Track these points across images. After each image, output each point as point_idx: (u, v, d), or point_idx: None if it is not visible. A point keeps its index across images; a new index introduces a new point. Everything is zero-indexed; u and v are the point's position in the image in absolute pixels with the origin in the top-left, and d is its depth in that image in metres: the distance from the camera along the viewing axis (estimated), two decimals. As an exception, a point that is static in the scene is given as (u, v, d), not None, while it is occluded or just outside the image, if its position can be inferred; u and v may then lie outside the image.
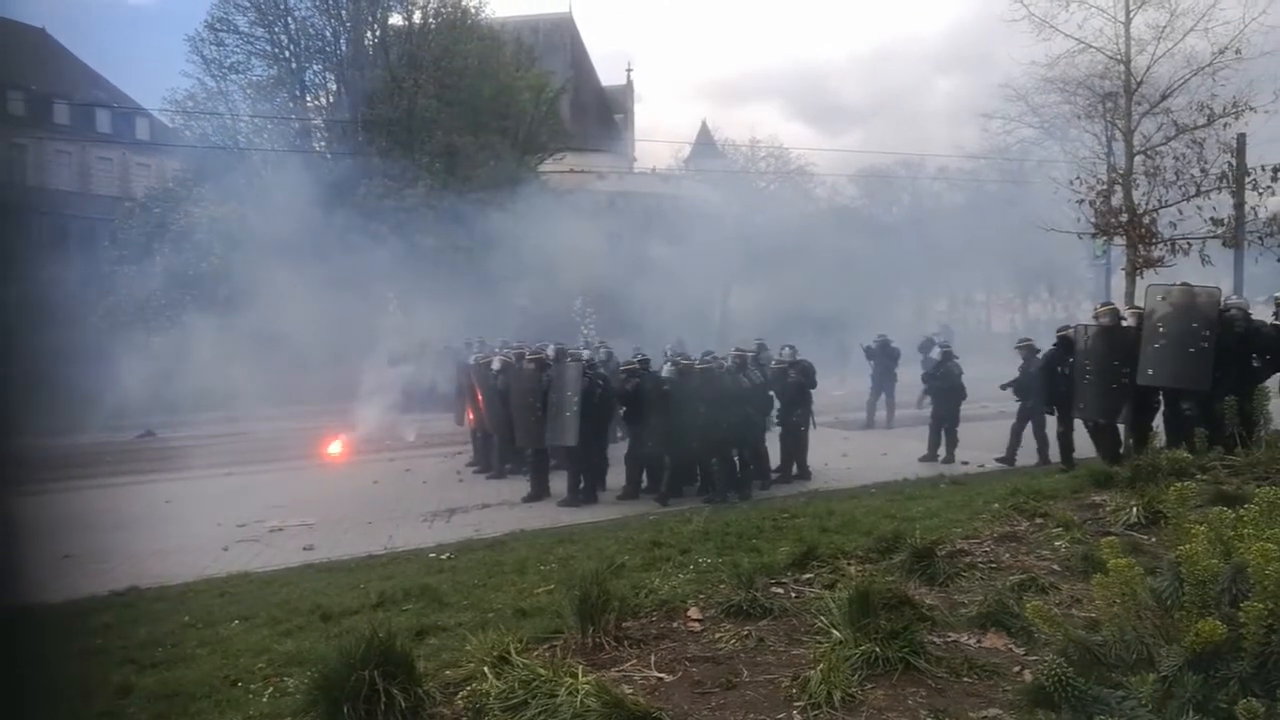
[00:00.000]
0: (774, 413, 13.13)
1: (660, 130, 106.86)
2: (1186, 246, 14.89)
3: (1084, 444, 12.12)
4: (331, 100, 35.90)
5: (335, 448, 18.15)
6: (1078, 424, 12.11)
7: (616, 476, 12.64)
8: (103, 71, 47.04)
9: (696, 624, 4.79)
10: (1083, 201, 15.67)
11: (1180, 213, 15.08)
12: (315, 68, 36.34)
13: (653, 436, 11.85)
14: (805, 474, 13.01)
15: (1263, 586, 3.08)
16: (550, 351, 13.62)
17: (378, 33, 36.39)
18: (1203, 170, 14.77)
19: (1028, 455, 13.73)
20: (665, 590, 5.57)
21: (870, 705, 3.59)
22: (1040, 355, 13.27)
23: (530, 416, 12.34)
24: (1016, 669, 3.92)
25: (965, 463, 13.52)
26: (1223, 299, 11.12)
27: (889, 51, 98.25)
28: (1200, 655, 3.06)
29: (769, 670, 4.05)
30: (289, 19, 34.90)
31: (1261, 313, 11.81)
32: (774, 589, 5.32)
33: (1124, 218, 15.30)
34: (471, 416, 15.29)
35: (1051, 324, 38.09)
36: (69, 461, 16.45)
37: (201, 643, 6.08)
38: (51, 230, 38.31)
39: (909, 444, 14.93)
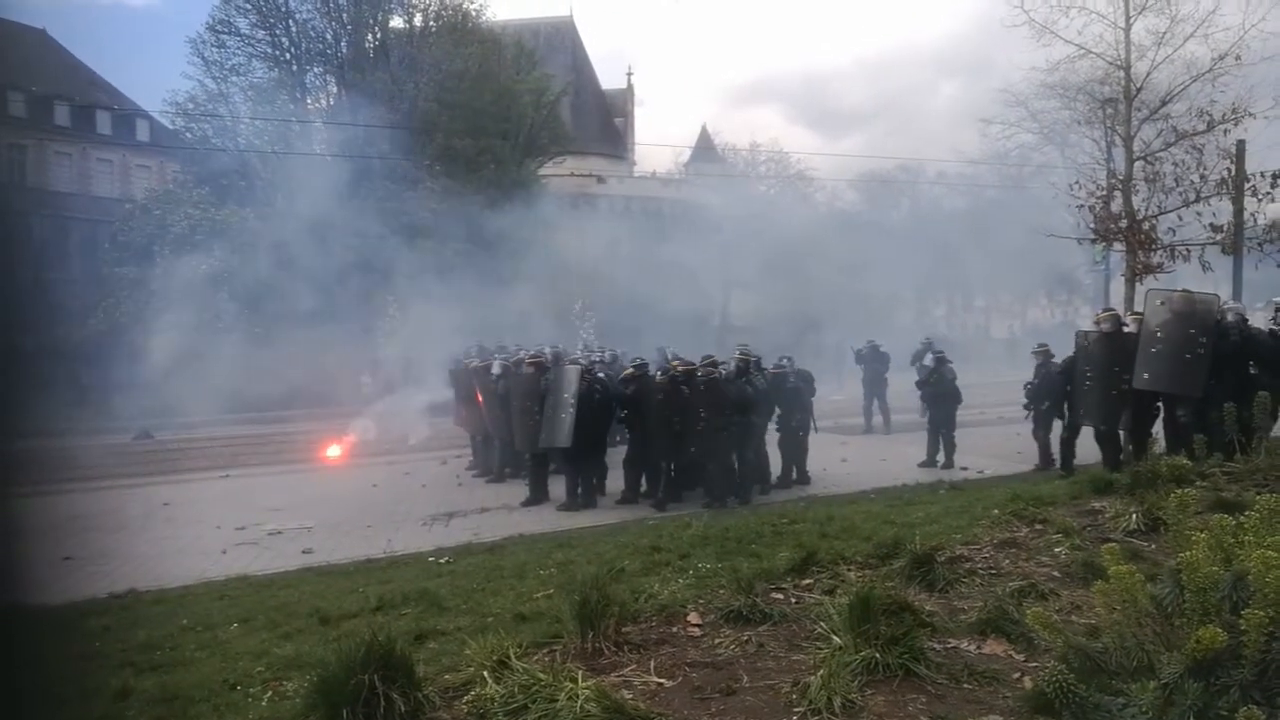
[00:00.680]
0: (773, 418, 13.11)
1: (660, 134, 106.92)
2: (1186, 252, 14.92)
3: (1084, 452, 12.12)
4: (332, 103, 35.91)
5: (334, 451, 18.14)
6: (1085, 430, 12.08)
7: (616, 481, 12.63)
8: (103, 73, 47.12)
9: (696, 629, 4.79)
10: (1082, 207, 15.70)
11: (1180, 218, 15.11)
12: (316, 70, 36.37)
13: (651, 441, 11.84)
14: (805, 479, 13.00)
15: (1263, 594, 3.07)
16: (548, 354, 13.63)
17: (378, 35, 36.43)
18: (1202, 176, 14.81)
19: (1028, 460, 13.74)
20: (665, 595, 5.57)
21: (870, 711, 3.59)
22: (1056, 360, 13.23)
23: (529, 420, 12.33)
24: (1017, 675, 3.92)
25: (965, 468, 13.50)
26: (1220, 305, 11.13)
27: (889, 56, 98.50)
28: (1201, 662, 3.06)
29: (769, 676, 4.04)
30: (290, 21, 34.93)
31: (1260, 319, 11.83)
32: (774, 594, 5.32)
33: (1124, 223, 15.34)
34: (463, 422, 15.29)
35: (1050, 330, 38.19)
36: (68, 463, 16.42)
37: (200, 646, 6.06)
38: (51, 231, 38.33)
39: (908, 449, 14.93)
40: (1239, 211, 15.14)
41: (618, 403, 12.37)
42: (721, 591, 5.38)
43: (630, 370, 12.68)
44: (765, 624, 4.74)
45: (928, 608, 4.75)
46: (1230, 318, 11.16)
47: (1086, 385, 11.67)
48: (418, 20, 36.84)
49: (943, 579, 5.30)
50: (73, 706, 4.39)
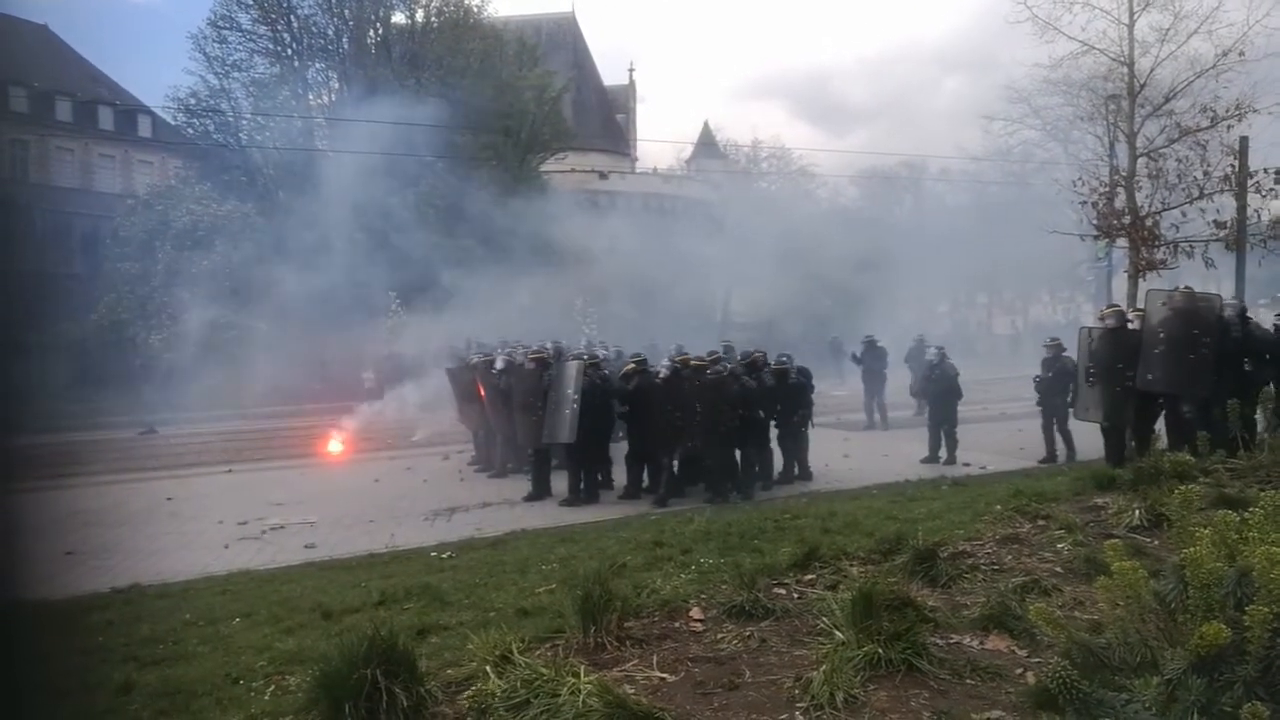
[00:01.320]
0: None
1: (662, 130, 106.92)
2: (1189, 249, 14.87)
3: (1087, 447, 12.11)
4: (334, 99, 35.90)
5: (336, 446, 18.15)
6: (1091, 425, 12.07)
7: (618, 476, 12.64)
8: (105, 69, 47.12)
9: (699, 624, 4.79)
10: (1085, 203, 15.65)
11: (1183, 215, 15.06)
12: (318, 66, 36.33)
13: (652, 437, 11.84)
14: (806, 475, 13.00)
15: (1267, 590, 3.07)
16: (549, 349, 13.64)
17: (380, 31, 36.39)
18: (1205, 173, 14.75)
19: (1030, 456, 13.74)
20: (667, 590, 5.57)
21: (873, 707, 3.59)
22: (1070, 354, 13.26)
23: (532, 416, 12.34)
24: (1019, 671, 3.91)
25: (967, 464, 13.50)
26: (1221, 303, 11.12)
27: (892, 53, 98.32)
28: (1204, 659, 3.05)
29: (771, 671, 4.04)
30: (292, 17, 34.87)
31: (1264, 315, 11.80)
32: (776, 590, 5.32)
33: (1127, 220, 15.28)
34: (464, 418, 15.29)
35: (1053, 328, 38.13)
36: (71, 458, 16.45)
37: (203, 640, 6.07)
38: (54, 227, 38.35)
39: (910, 445, 14.92)
40: (1242, 208, 15.09)
41: (619, 398, 12.37)
42: (724, 587, 5.37)
43: (631, 366, 12.69)
44: (768, 619, 4.73)
45: (930, 603, 4.75)
46: (1228, 313, 11.15)
47: (1090, 381, 11.68)
48: (419, 16, 36.82)
49: (945, 574, 5.30)
50: (76, 701, 4.40)
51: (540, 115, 37.09)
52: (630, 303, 31.56)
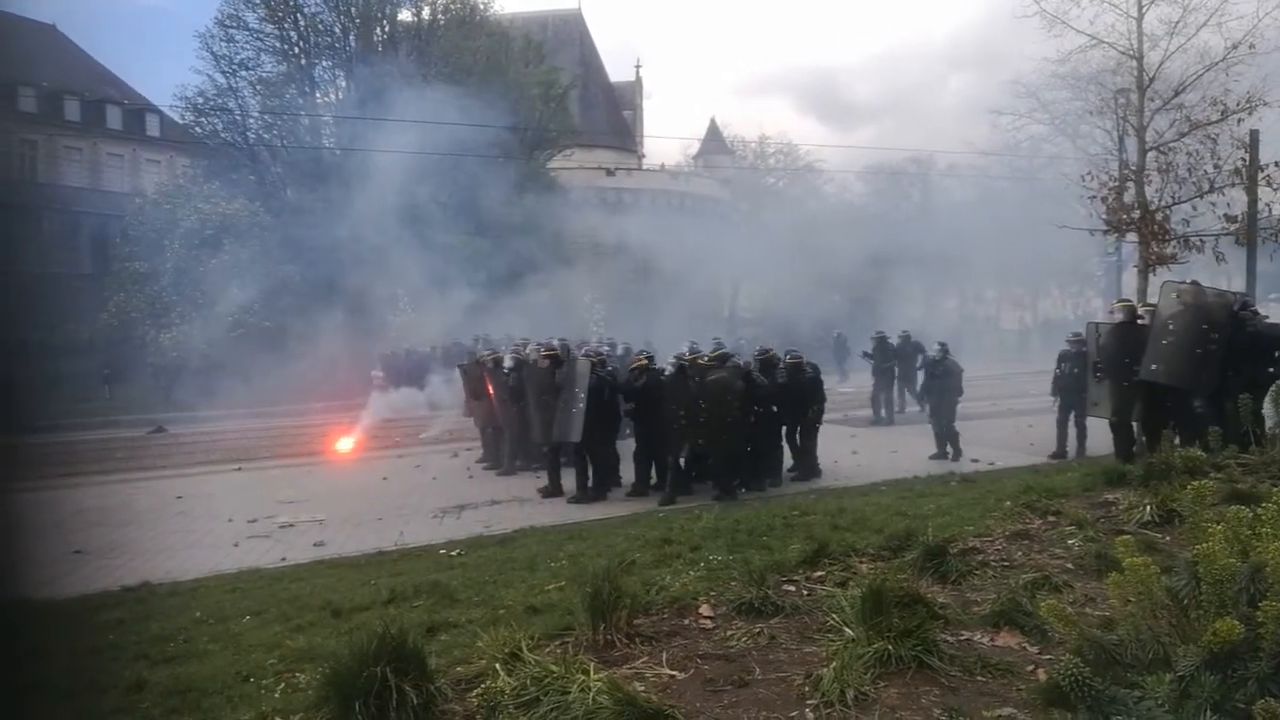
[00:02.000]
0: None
1: (669, 127, 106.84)
2: (1200, 243, 14.80)
3: (1096, 443, 12.07)
4: (341, 97, 35.97)
5: (345, 444, 18.19)
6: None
7: (626, 473, 12.64)
8: (113, 68, 47.26)
9: (708, 621, 4.78)
10: (1094, 198, 15.59)
11: (1194, 209, 14.99)
12: (325, 64, 36.39)
13: (659, 434, 11.82)
14: (815, 472, 12.97)
15: (1281, 586, 3.05)
16: (556, 345, 13.65)
17: (387, 29, 36.43)
18: (1216, 166, 14.67)
19: (1040, 451, 13.69)
20: (676, 587, 5.56)
21: (883, 704, 3.57)
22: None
23: (545, 413, 12.34)
24: (1031, 668, 3.89)
25: (975, 460, 13.46)
26: (1236, 300, 11.04)
27: (900, 48, 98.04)
28: (1217, 655, 3.03)
29: (781, 668, 4.03)
30: (298, 15, 34.95)
31: (1276, 310, 11.73)
32: (786, 586, 5.30)
33: (1136, 214, 15.21)
34: (473, 413, 15.28)
35: (1062, 322, 38.01)
36: (80, 457, 16.53)
37: (213, 638, 6.09)
38: (62, 226, 38.49)
39: (918, 441, 14.88)
40: (1253, 202, 15.00)
41: (626, 395, 12.36)
42: (733, 584, 5.36)
43: (639, 363, 12.68)
44: (777, 616, 4.72)
45: (940, 600, 4.73)
46: (1245, 311, 11.08)
47: (1098, 376, 11.63)
48: (426, 13, 36.85)
49: (955, 571, 5.28)
50: (87, 699, 4.42)
51: (547, 112, 37.12)
52: (639, 299, 31.54)
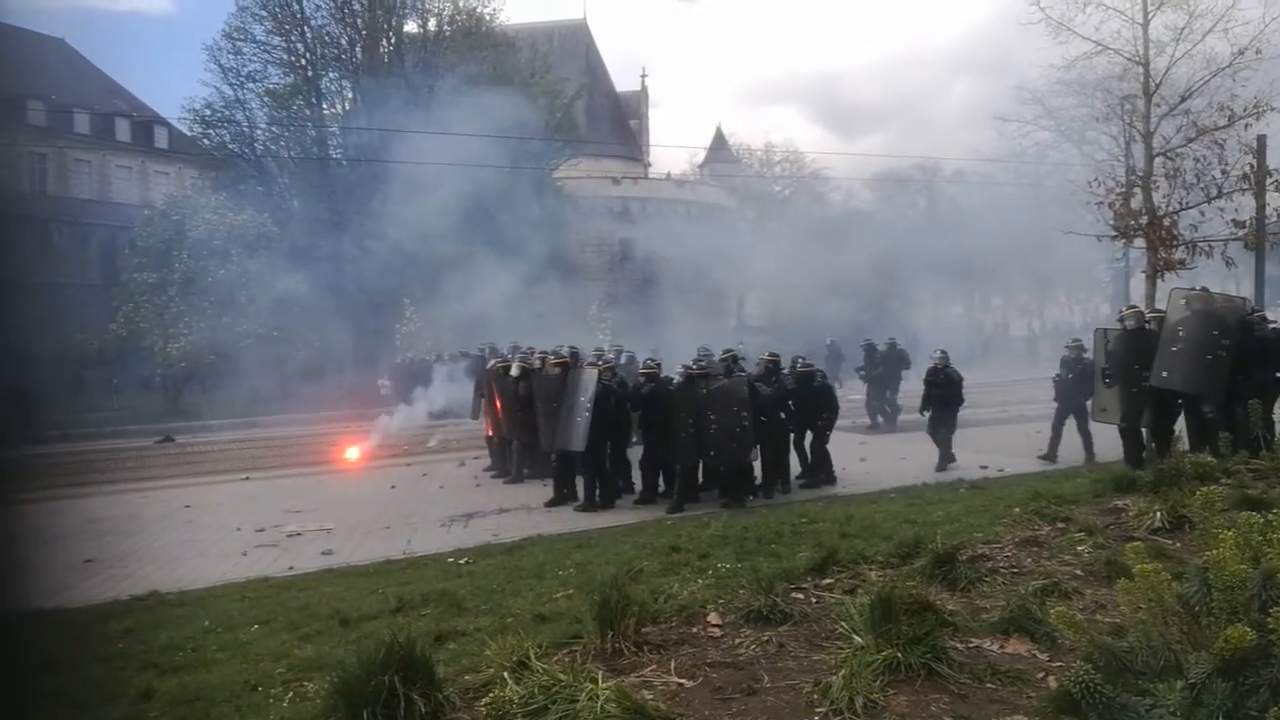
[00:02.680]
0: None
1: (675, 135, 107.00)
2: (1208, 249, 14.76)
3: (1104, 448, 12.03)
4: (347, 108, 36.13)
5: (352, 453, 18.21)
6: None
7: (636, 481, 12.62)
8: (122, 81, 47.58)
9: (716, 629, 4.77)
10: (1102, 204, 15.57)
11: (1202, 214, 14.96)
12: (331, 75, 36.56)
13: (666, 441, 11.80)
14: (830, 479, 12.90)
15: (1293, 592, 3.03)
16: (566, 353, 13.65)
17: (393, 40, 36.59)
18: (1223, 172, 14.65)
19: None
20: (684, 595, 5.55)
21: (893, 711, 3.56)
22: (1090, 356, 13.21)
23: (555, 421, 12.33)
24: (1041, 675, 3.87)
25: (984, 466, 13.40)
26: (1247, 306, 11.03)
27: (904, 56, 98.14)
28: (1229, 662, 3.01)
29: (790, 676, 4.02)
30: (305, 28, 35.13)
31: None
32: (794, 594, 5.29)
33: (1144, 220, 15.18)
34: (489, 426, 15.27)
35: (1070, 329, 37.91)
36: (90, 467, 16.58)
37: (222, 647, 6.10)
38: (72, 238, 38.71)
39: (926, 448, 14.81)
40: (1261, 207, 14.96)
41: (633, 404, 12.35)
42: (741, 591, 5.35)
43: (646, 371, 12.67)
44: (786, 624, 4.71)
45: (949, 607, 4.71)
46: (1255, 316, 11.06)
47: (1107, 382, 11.60)
48: (432, 25, 36.99)
49: (964, 578, 5.26)
50: (96, 708, 4.43)
51: (553, 122, 37.22)
52: (647, 307, 31.62)
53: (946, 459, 13.59)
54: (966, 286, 47.12)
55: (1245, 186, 14.70)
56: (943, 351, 14.39)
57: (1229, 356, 10.28)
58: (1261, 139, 14.97)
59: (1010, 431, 16.89)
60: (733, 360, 12.44)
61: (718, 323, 36.26)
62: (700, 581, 6.26)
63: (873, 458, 14.86)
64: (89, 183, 43.55)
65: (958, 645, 4.16)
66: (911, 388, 18.93)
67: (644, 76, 59.06)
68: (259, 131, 35.57)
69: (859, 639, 4.09)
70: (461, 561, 8.67)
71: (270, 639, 6.23)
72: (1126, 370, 11.18)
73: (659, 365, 13.07)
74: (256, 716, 4.54)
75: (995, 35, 75.52)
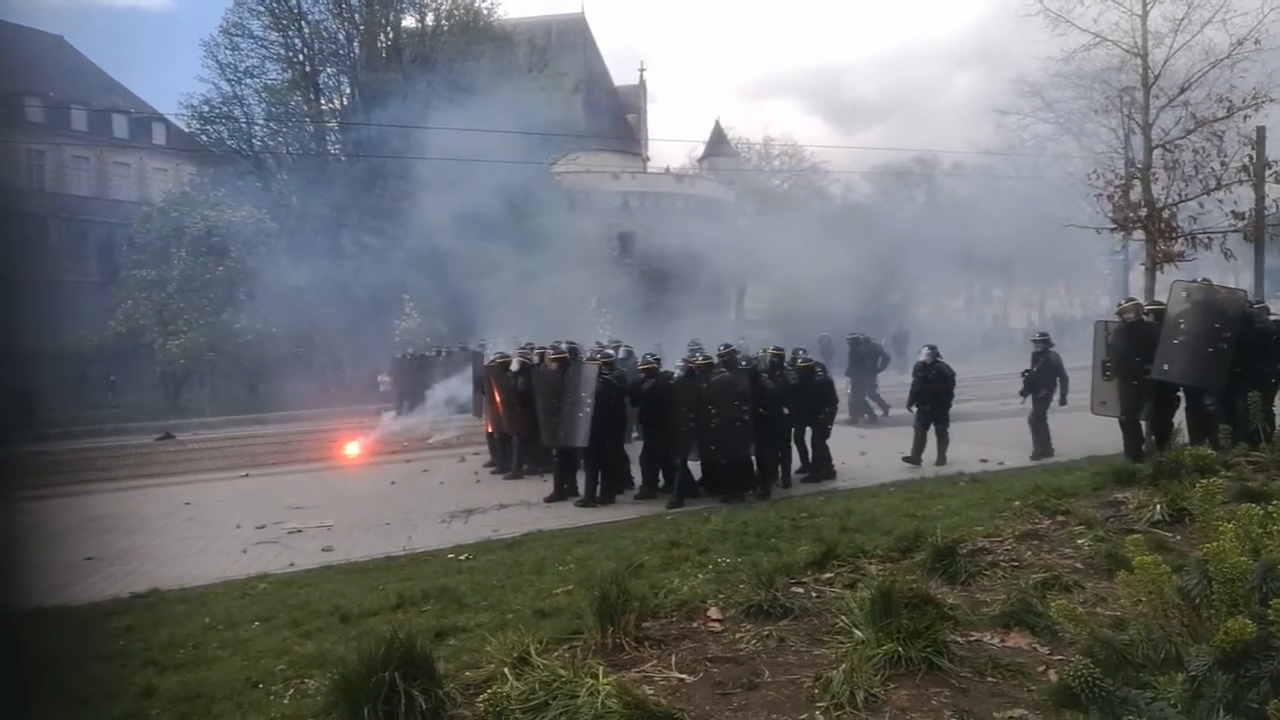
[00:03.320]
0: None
1: (674, 129, 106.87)
2: (1207, 240, 14.74)
3: (1101, 441, 12.02)
4: (345, 103, 36.10)
5: (352, 449, 18.21)
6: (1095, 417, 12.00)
7: (636, 476, 12.62)
8: (119, 77, 47.45)
9: (717, 624, 4.77)
10: (1100, 196, 15.55)
11: (1201, 206, 14.94)
12: (329, 71, 36.52)
13: (667, 437, 11.79)
14: (830, 473, 12.89)
15: (1293, 584, 3.03)
16: (564, 348, 13.63)
17: (391, 35, 36.53)
18: (1223, 163, 14.62)
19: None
20: (685, 590, 5.56)
21: (893, 705, 3.56)
22: (1055, 350, 13.24)
23: (554, 416, 12.31)
24: (1041, 668, 3.88)
25: (984, 460, 13.40)
26: (1246, 298, 11.03)
27: (903, 48, 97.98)
28: (1230, 654, 3.01)
29: (791, 670, 4.02)
30: (303, 23, 35.09)
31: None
32: (794, 589, 5.29)
33: (1143, 212, 15.16)
34: (489, 422, 15.26)
35: (1070, 321, 37.89)
36: (90, 464, 16.57)
37: (222, 644, 6.10)
38: (70, 234, 38.66)
39: (928, 444, 14.82)
40: (1260, 198, 14.94)
41: (632, 399, 12.34)
42: (741, 586, 5.35)
43: (645, 366, 12.66)
44: (786, 618, 4.71)
45: (950, 601, 4.72)
46: (1255, 308, 11.06)
47: (1107, 375, 11.59)
48: (430, 19, 36.93)
49: (964, 572, 5.27)
50: (97, 706, 4.43)
51: (551, 117, 37.17)
52: (647, 302, 31.59)
53: (917, 448, 13.55)
54: (967, 279, 47.11)
55: (1244, 178, 14.67)
56: (931, 346, 14.28)
57: (1229, 349, 10.27)
58: (1260, 130, 14.94)
59: (1010, 424, 16.83)
60: (732, 355, 12.40)
61: (718, 315, 36.27)
62: (700, 576, 6.26)
63: (873, 452, 14.86)
64: (87, 179, 43.49)
65: (958, 639, 4.17)
66: (896, 382, 18.99)
67: (642, 71, 58.83)
68: (257, 127, 35.56)
69: (859, 633, 4.09)
70: (462, 557, 8.66)
71: (271, 636, 6.23)
72: (1127, 363, 11.17)
73: (659, 360, 13.05)
74: (257, 713, 4.54)
75: (994, 28, 75.40)
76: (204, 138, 36.14)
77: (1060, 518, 6.71)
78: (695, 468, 11.92)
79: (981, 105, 76.10)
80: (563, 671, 3.78)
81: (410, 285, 28.62)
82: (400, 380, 24.31)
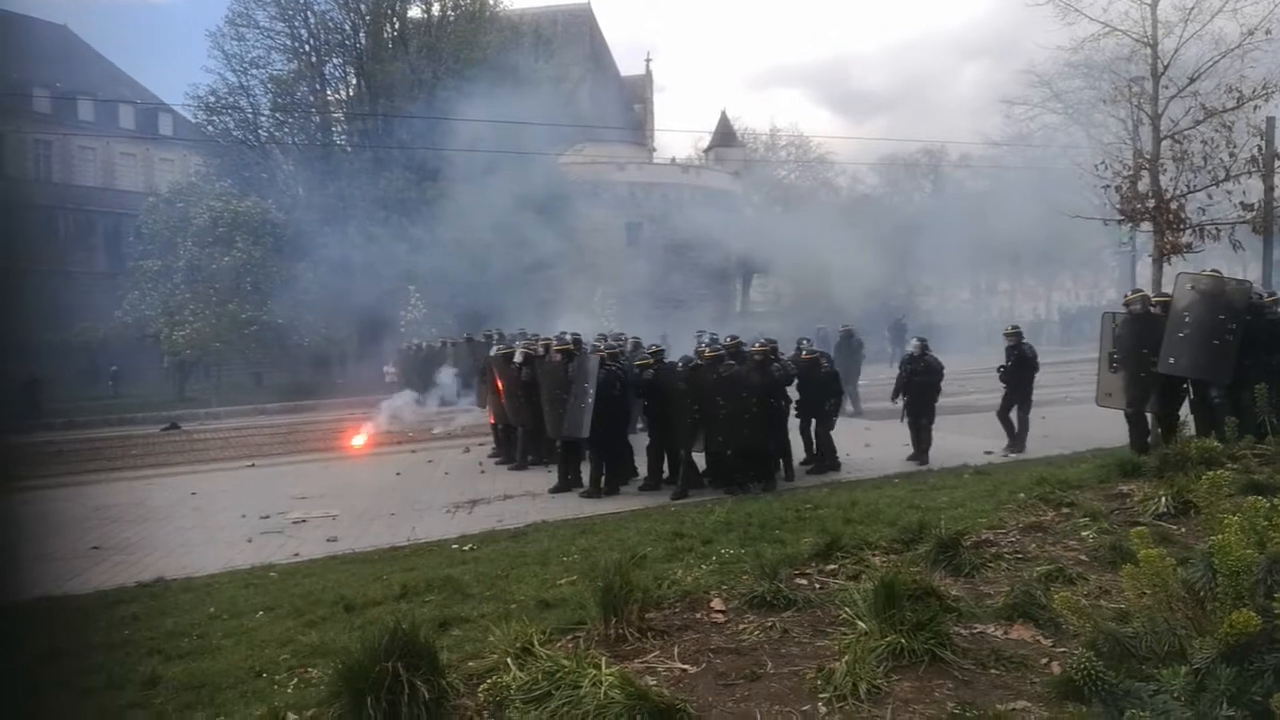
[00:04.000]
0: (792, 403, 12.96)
1: (680, 120, 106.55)
2: (1215, 232, 14.64)
3: (1103, 436, 12.00)
4: (351, 94, 36.09)
5: (358, 440, 18.25)
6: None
7: (641, 467, 12.62)
8: (125, 68, 47.52)
9: (720, 615, 4.77)
10: (1108, 187, 15.45)
11: (1210, 197, 14.83)
12: (335, 61, 36.51)
13: (671, 428, 11.78)
14: (835, 465, 12.86)
15: (1298, 577, 3.01)
16: (569, 339, 13.63)
17: (397, 26, 36.48)
18: (1232, 154, 14.48)
19: (1054, 444, 13.61)
20: (688, 581, 5.56)
21: (896, 697, 3.56)
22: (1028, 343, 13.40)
23: (558, 408, 12.32)
24: (1045, 661, 3.87)
25: (989, 452, 13.38)
26: (1252, 289, 10.96)
27: (911, 38, 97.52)
28: (1234, 647, 3.00)
29: (793, 662, 4.02)
30: (309, 13, 35.09)
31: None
32: (798, 580, 5.29)
33: (1151, 203, 15.06)
34: (493, 413, 15.27)
35: (1076, 312, 37.78)
36: (95, 454, 16.64)
37: (227, 634, 6.12)
38: (76, 225, 38.75)
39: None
40: (1269, 190, 14.83)
41: (636, 390, 12.32)
42: (745, 577, 5.35)
43: (643, 361, 12.64)
44: (789, 610, 4.71)
45: (953, 593, 4.71)
46: (1263, 298, 11.00)
47: (1113, 368, 11.55)
48: (436, 9, 36.90)
49: (968, 564, 5.25)
50: (102, 694, 4.44)
51: (558, 106, 37.12)
52: (652, 292, 31.57)
53: (924, 449, 13.40)
54: (973, 272, 46.98)
55: (1253, 169, 14.54)
56: (921, 339, 14.21)
57: (1236, 341, 10.21)
58: (1270, 121, 14.83)
59: (1013, 416, 16.82)
60: (739, 346, 12.38)
61: (724, 306, 36.23)
62: (704, 567, 6.26)
63: (877, 444, 14.84)
64: (93, 170, 43.58)
65: (961, 631, 4.16)
66: (890, 375, 18.93)
67: (648, 61, 59.03)
68: (263, 118, 35.57)
69: (863, 625, 4.09)
70: (466, 548, 8.68)
71: (275, 625, 6.25)
72: (1133, 355, 11.13)
73: (663, 351, 13.04)
74: (261, 702, 4.55)
75: (1003, 17, 74.89)
76: (210, 128, 36.16)
77: (1065, 510, 6.70)
78: (700, 459, 11.93)
79: (990, 95, 75.64)
80: (565, 662, 3.79)
81: (418, 276, 28.62)
82: (406, 371, 24.35)
